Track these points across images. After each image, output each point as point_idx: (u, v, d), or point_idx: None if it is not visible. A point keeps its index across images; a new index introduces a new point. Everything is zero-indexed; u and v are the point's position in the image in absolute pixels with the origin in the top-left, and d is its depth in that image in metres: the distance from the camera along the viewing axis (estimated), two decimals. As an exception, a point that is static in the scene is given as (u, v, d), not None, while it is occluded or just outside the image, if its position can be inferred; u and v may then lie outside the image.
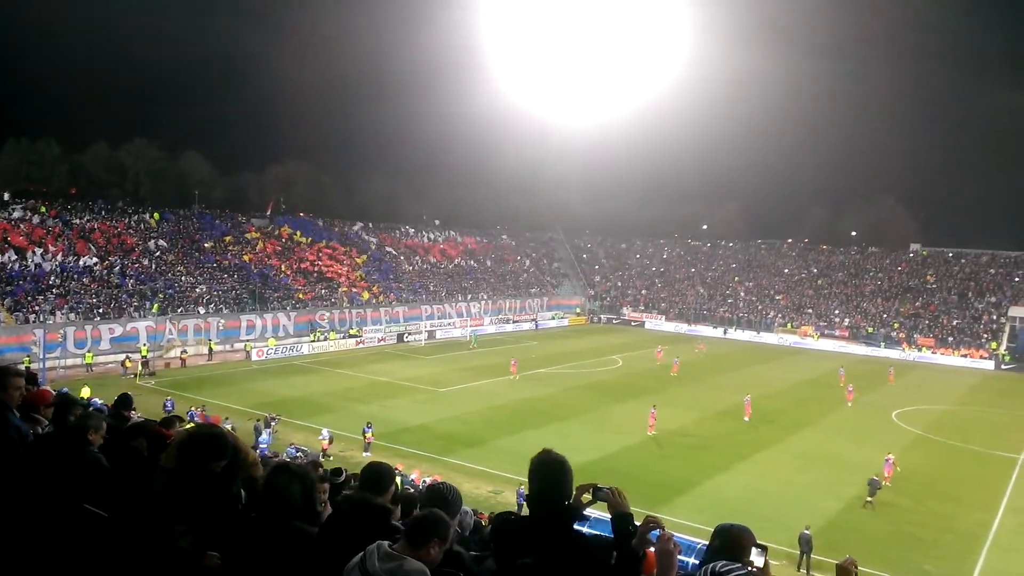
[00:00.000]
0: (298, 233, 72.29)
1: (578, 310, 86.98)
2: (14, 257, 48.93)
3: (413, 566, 3.29)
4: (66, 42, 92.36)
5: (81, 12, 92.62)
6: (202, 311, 52.65)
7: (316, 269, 66.78)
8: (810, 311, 79.10)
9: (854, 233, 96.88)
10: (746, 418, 38.26)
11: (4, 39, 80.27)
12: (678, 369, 51.33)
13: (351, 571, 3.39)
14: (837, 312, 77.73)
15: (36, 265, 49.25)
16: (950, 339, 68.57)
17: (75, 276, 49.79)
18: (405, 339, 62.61)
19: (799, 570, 20.60)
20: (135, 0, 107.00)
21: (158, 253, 57.61)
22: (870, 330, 72.50)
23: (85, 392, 30.16)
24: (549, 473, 3.81)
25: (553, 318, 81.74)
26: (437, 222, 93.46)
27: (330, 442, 30.05)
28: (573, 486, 3.85)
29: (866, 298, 79.47)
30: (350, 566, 3.42)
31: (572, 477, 3.83)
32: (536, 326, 75.54)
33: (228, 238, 65.35)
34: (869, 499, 26.72)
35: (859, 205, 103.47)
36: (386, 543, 3.42)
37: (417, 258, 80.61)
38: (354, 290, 65.68)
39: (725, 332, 77.13)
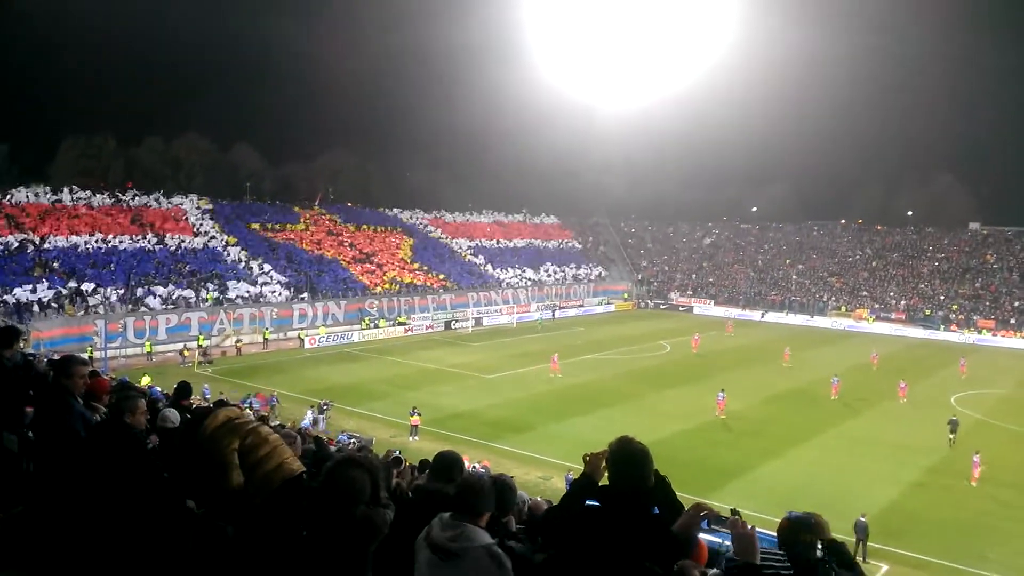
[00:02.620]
0: (349, 225, 73.51)
1: (625, 295, 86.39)
2: (75, 241, 50.94)
3: (473, 531, 3.38)
4: (120, 41, 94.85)
5: (132, 11, 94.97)
6: (256, 291, 53.74)
7: (365, 255, 67.66)
8: (865, 294, 77.25)
9: (910, 213, 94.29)
10: (833, 396, 39.20)
11: (61, 39, 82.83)
12: (789, 358, 49.41)
13: (419, 544, 3.50)
14: (893, 294, 75.78)
15: (95, 249, 51.15)
16: (1012, 321, 66.31)
17: (134, 261, 51.42)
18: (452, 326, 63.04)
19: (855, 558, 20.24)
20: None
21: (212, 237, 59.37)
22: (928, 312, 70.50)
23: (145, 380, 31.09)
24: (631, 463, 3.83)
25: (600, 303, 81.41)
26: (483, 209, 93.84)
27: (313, 424, 30.04)
28: (651, 475, 3.87)
29: (923, 279, 77.31)
30: (419, 540, 3.53)
31: (652, 466, 3.86)
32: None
33: (280, 225, 66.98)
34: (951, 436, 30.89)
35: (914, 184, 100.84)
36: (447, 514, 3.53)
37: (464, 240, 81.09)
38: (402, 275, 66.26)
39: (763, 316, 75.54)
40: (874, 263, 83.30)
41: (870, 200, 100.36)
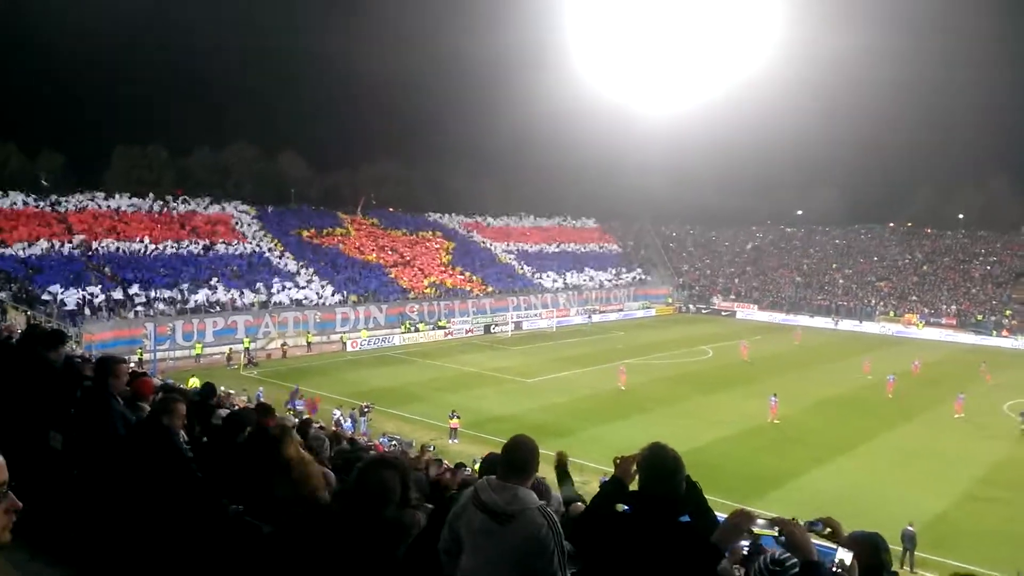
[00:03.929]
0: (391, 230, 74.39)
1: (669, 299, 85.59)
2: (126, 246, 52.47)
3: (525, 494, 3.44)
4: (170, 55, 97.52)
5: (183, 28, 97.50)
6: (300, 295, 54.56)
7: (406, 259, 68.27)
8: (915, 298, 75.41)
9: (961, 216, 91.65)
10: (888, 395, 40.17)
11: (115, 55, 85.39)
12: (871, 369, 46.63)
13: (464, 505, 3.53)
14: (944, 299, 73.83)
15: (145, 254, 52.61)
16: (1070, 327, 64.12)
17: (183, 265, 52.70)
18: (492, 330, 63.17)
19: (902, 567, 19.77)
20: (232, 12, 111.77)
21: (258, 242, 60.67)
22: (979, 318, 68.52)
23: (194, 382, 31.77)
24: (663, 470, 3.79)
25: (640, 308, 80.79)
26: (523, 213, 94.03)
27: (354, 425, 30.39)
28: (683, 482, 3.82)
29: (975, 284, 75.21)
30: (462, 500, 3.56)
31: (684, 474, 3.82)
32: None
33: (324, 230, 68.04)
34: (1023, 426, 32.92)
35: (966, 186, 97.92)
36: (492, 476, 3.57)
37: (504, 245, 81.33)
38: (442, 279, 66.66)
39: (836, 323, 72.68)
40: (924, 267, 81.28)
41: (920, 203, 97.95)
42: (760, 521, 3.62)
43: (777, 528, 3.51)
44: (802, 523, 3.67)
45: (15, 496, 2.15)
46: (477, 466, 14.27)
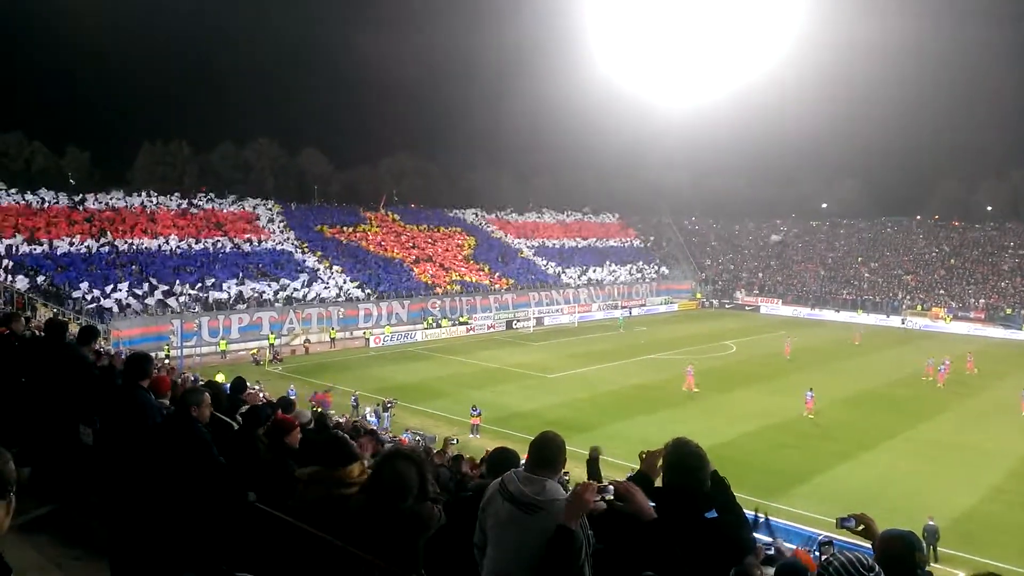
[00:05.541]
0: (412, 226, 74.62)
1: (698, 294, 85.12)
2: (152, 243, 53.17)
3: (553, 486, 3.47)
4: (194, 53, 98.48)
5: (206, 26, 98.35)
6: (323, 292, 54.92)
7: (428, 255, 68.47)
8: (942, 292, 74.33)
9: (989, 208, 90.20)
10: (940, 385, 40.90)
11: (139, 53, 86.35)
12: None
13: (491, 497, 3.54)
14: (972, 292, 72.70)
15: (171, 251, 53.30)
16: (1103, 320, 62.90)
17: (207, 262, 53.26)
18: (514, 326, 63.18)
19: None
20: (254, 11, 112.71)
21: (282, 239, 61.17)
22: (1008, 311, 67.40)
23: (219, 378, 32.07)
24: (686, 465, 3.78)
25: (663, 303, 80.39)
26: (544, 208, 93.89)
27: (378, 421, 30.34)
28: (707, 477, 3.81)
29: (1004, 277, 73.97)
30: (489, 493, 3.57)
31: (708, 469, 3.80)
32: (630, 312, 73.68)
33: (346, 227, 68.45)
34: None
35: (994, 178, 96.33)
36: (521, 469, 3.58)
37: (526, 240, 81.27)
38: (464, 275, 66.80)
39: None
40: (951, 260, 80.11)
41: (947, 196, 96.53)
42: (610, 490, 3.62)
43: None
44: (834, 520, 3.65)
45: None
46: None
